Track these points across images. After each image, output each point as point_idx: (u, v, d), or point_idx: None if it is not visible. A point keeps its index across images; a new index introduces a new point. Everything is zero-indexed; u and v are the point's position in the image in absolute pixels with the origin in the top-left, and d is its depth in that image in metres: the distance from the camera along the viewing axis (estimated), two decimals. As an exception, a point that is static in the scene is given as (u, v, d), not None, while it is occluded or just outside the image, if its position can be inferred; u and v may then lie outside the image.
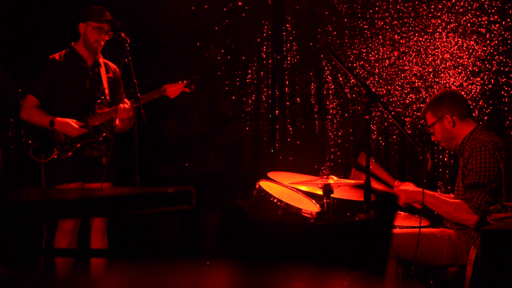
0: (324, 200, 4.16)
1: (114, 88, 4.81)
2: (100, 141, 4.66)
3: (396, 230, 3.74)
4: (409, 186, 3.87)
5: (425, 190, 3.71)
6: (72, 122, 4.56)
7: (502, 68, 5.17)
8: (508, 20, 5.16)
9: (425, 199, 3.70)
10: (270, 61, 5.75)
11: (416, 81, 5.39)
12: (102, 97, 4.72)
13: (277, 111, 5.73)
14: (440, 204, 3.72)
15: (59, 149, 4.58)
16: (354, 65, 5.50)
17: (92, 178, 4.61)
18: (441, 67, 5.32)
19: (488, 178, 3.60)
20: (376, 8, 5.48)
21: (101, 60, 4.80)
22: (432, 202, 3.74)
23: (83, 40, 4.70)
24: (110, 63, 4.85)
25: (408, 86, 5.41)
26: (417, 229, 3.67)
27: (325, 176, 4.17)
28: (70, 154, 4.58)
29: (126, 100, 4.52)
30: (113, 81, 4.82)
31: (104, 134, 4.66)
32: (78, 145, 4.60)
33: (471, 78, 5.23)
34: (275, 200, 4.12)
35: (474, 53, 5.23)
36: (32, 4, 5.48)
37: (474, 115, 4.66)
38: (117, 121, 4.68)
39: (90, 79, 4.72)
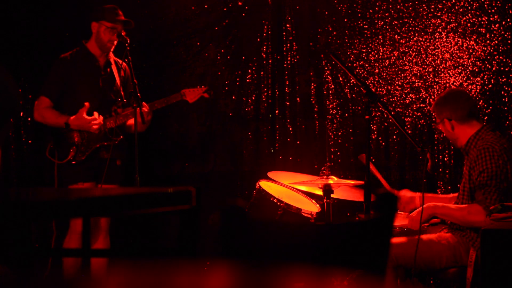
0: (324, 200, 4.16)
1: (125, 86, 4.76)
2: (116, 143, 4.60)
3: (394, 239, 3.74)
4: (413, 213, 3.84)
5: (435, 203, 3.75)
6: (86, 115, 4.45)
7: (502, 68, 5.17)
8: (508, 20, 5.16)
9: (437, 211, 3.71)
10: (270, 61, 5.75)
11: (416, 81, 5.39)
12: (119, 99, 4.66)
13: (277, 111, 5.73)
14: (452, 212, 3.71)
15: (75, 150, 4.51)
16: (354, 65, 5.50)
17: (106, 179, 4.54)
18: (441, 67, 5.32)
19: (500, 178, 3.60)
20: (376, 8, 5.48)
21: (112, 59, 4.72)
22: (444, 213, 3.73)
23: (96, 40, 4.61)
24: (119, 60, 4.76)
25: (408, 86, 5.41)
26: (415, 237, 3.66)
27: (325, 176, 4.17)
28: (86, 155, 4.52)
29: (144, 103, 4.41)
30: (124, 80, 4.75)
31: (121, 137, 4.62)
32: (95, 146, 4.54)
33: (471, 78, 5.23)
34: (275, 200, 4.12)
35: (474, 53, 5.23)
36: (32, 2, 5.47)
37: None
38: (132, 122, 4.60)
39: (103, 79, 4.64)
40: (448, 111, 3.83)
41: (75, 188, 4.49)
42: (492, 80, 5.18)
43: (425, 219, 3.72)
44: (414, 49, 5.38)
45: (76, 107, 4.53)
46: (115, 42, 4.61)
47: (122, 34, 4.48)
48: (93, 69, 4.65)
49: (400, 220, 3.91)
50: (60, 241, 4.67)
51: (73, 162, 4.51)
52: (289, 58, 5.72)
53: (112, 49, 4.65)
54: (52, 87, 4.59)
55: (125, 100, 4.68)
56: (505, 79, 5.16)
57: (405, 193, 4.12)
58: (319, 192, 4.26)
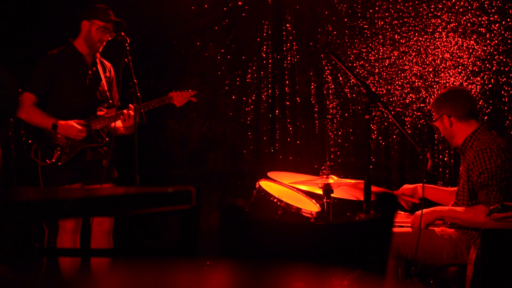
0: (324, 200, 4.16)
1: (110, 88, 4.73)
2: (101, 145, 4.59)
3: (397, 229, 3.74)
4: (418, 212, 3.84)
5: (441, 207, 3.77)
6: (77, 125, 4.46)
7: (502, 68, 5.17)
8: (508, 20, 5.16)
9: (444, 214, 3.72)
10: (270, 61, 5.75)
11: (416, 81, 5.39)
12: (105, 100, 4.64)
13: (277, 111, 5.73)
14: (459, 214, 3.71)
15: (60, 151, 4.46)
16: (354, 65, 5.50)
17: (92, 180, 4.53)
18: (441, 67, 5.32)
19: (500, 177, 3.62)
20: (376, 8, 5.48)
21: (98, 59, 4.69)
22: (450, 215, 3.74)
23: (86, 38, 4.57)
24: (106, 62, 4.75)
25: (408, 86, 5.41)
26: (418, 228, 3.68)
27: (325, 176, 4.16)
28: (71, 157, 4.48)
29: (131, 105, 4.37)
30: (110, 81, 4.72)
31: (107, 139, 4.59)
32: (80, 148, 4.51)
33: (471, 78, 5.23)
34: (275, 200, 4.12)
35: (474, 53, 5.23)
36: (32, 3, 5.46)
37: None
38: (119, 124, 4.59)
39: (90, 79, 4.60)
40: (448, 107, 3.83)
41: (74, 188, 4.48)
42: (492, 80, 5.18)
43: (431, 221, 3.72)
44: (414, 49, 5.38)
45: (61, 105, 4.51)
46: (104, 43, 4.60)
47: (122, 34, 4.46)
48: (80, 68, 4.59)
49: (400, 219, 3.91)
50: (50, 240, 4.67)
51: (59, 164, 4.46)
52: (289, 58, 5.72)
53: (100, 49, 4.63)
54: (38, 84, 4.52)
55: (110, 102, 4.66)
56: (505, 79, 5.16)
57: (407, 187, 4.13)
58: (319, 192, 4.26)
